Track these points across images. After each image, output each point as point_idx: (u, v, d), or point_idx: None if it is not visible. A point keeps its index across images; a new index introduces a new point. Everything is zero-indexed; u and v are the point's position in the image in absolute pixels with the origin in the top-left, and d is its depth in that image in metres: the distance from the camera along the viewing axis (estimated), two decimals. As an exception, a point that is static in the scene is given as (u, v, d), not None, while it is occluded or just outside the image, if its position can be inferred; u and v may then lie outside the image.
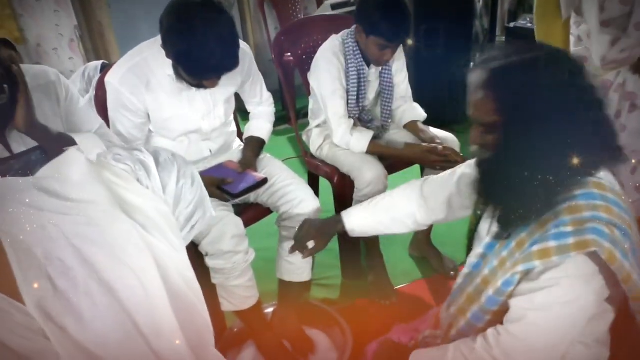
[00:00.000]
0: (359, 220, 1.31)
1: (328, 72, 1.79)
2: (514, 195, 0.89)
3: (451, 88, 2.97)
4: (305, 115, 2.07)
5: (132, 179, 0.76)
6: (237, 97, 1.82)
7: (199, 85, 1.43)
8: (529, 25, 1.89)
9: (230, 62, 1.35)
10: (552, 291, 0.83)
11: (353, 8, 3.02)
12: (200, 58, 1.29)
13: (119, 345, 0.64)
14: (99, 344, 0.63)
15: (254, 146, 1.75)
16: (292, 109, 2.19)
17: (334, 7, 3.25)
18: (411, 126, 1.97)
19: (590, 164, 0.86)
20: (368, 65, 1.85)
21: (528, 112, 0.83)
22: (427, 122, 2.00)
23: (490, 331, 0.92)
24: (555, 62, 0.85)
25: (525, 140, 0.84)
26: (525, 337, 0.87)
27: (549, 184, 0.84)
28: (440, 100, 2.69)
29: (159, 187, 0.79)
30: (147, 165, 0.79)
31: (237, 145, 1.83)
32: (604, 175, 0.89)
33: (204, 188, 0.88)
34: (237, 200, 1.63)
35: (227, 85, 1.57)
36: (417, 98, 2.08)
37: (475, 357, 0.91)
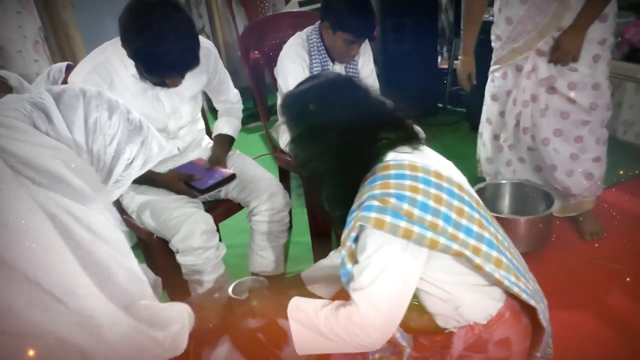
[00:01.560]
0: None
1: (292, 68, 1.81)
2: (324, 199, 1.07)
3: (419, 81, 3.02)
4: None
5: (25, 127, 0.70)
6: (207, 95, 1.83)
7: (162, 84, 1.44)
8: (491, 18, 1.98)
9: (189, 59, 1.35)
10: (370, 268, 0.92)
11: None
12: (158, 56, 1.29)
13: (27, 311, 0.61)
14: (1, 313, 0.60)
15: (223, 143, 1.76)
16: (261, 105, 2.20)
17: (302, 4, 3.27)
18: (378, 119, 2.00)
19: (365, 162, 1.00)
20: (333, 62, 1.88)
21: (302, 128, 1.03)
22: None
23: (347, 308, 0.96)
24: (324, 87, 1.05)
25: (303, 155, 1.05)
26: (369, 311, 0.93)
27: (337, 186, 1.04)
28: (409, 93, 2.74)
29: (64, 128, 0.74)
30: (45, 107, 0.73)
31: (207, 142, 1.83)
32: (394, 155, 0.99)
33: (135, 120, 0.83)
34: (207, 197, 1.64)
35: (192, 84, 1.58)
36: (385, 92, 2.11)
37: (340, 328, 0.95)
